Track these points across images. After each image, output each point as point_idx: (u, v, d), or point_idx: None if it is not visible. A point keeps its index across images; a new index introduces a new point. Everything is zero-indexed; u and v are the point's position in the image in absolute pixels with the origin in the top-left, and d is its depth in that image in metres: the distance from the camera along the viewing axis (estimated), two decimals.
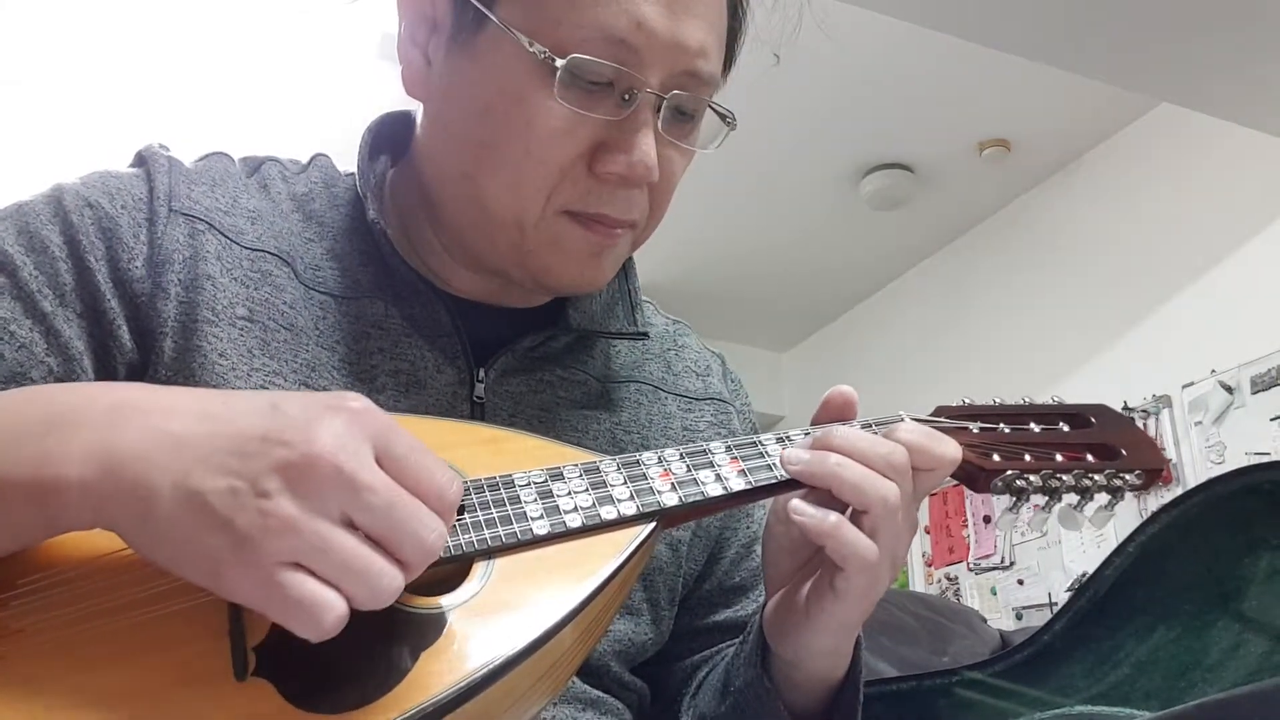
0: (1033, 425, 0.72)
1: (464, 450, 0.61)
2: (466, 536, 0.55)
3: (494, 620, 0.53)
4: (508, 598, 0.54)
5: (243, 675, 0.48)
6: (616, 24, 0.65)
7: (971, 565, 3.99)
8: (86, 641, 0.49)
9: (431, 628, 0.52)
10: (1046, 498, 0.70)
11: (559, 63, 0.65)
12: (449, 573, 0.54)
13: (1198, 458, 3.24)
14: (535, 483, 0.59)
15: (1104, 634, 0.97)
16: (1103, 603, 0.98)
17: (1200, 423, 3.25)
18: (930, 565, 4.19)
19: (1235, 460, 3.08)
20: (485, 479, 0.59)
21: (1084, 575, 3.15)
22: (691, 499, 0.61)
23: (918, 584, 4.21)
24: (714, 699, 0.76)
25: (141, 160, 0.75)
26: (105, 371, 0.67)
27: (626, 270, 0.84)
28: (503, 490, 0.59)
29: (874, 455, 0.62)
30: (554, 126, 0.67)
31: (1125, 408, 3.28)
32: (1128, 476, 0.70)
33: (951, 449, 0.65)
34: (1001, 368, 4.01)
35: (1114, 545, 0.99)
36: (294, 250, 0.74)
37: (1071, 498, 0.70)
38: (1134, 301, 3.54)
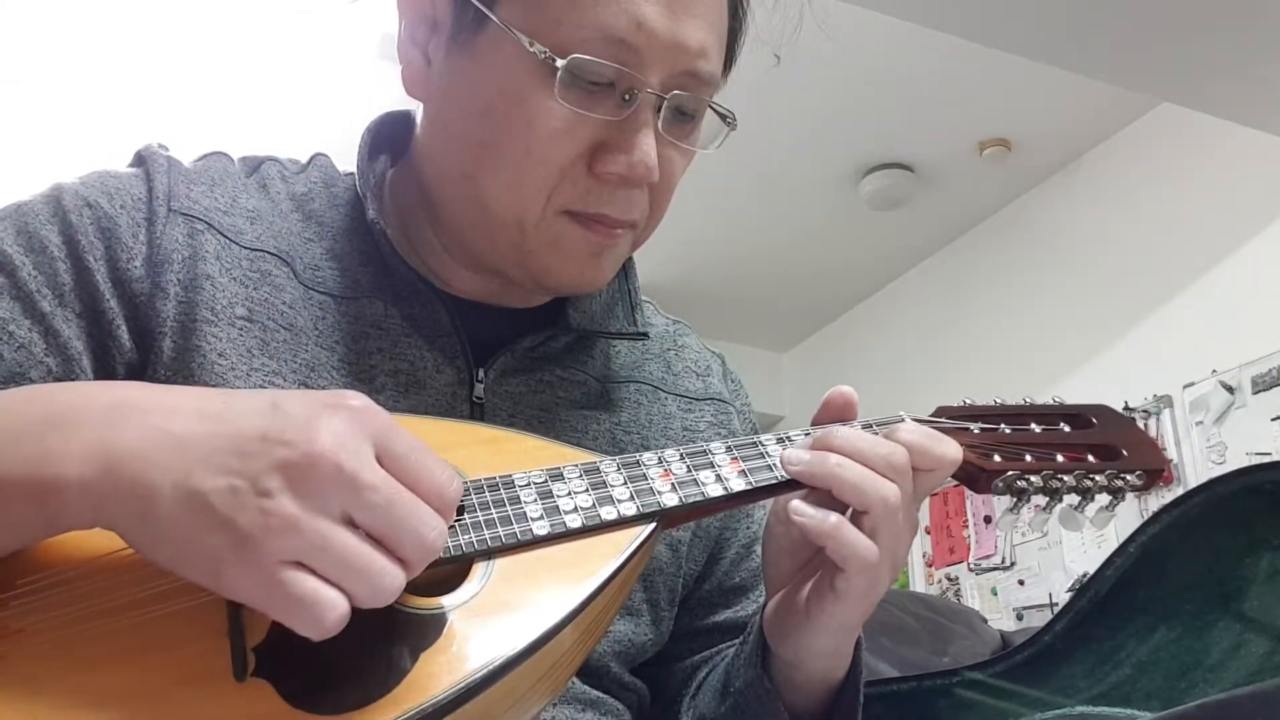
0: (1034, 426, 0.72)
1: (464, 450, 0.61)
2: (466, 537, 0.55)
3: (494, 621, 0.53)
4: (508, 598, 0.54)
5: (242, 675, 0.48)
6: (617, 24, 0.65)
7: (972, 566, 3.99)
8: (86, 642, 0.49)
9: (431, 628, 0.52)
10: (1047, 498, 0.70)
11: (559, 63, 0.65)
12: (449, 573, 0.54)
13: (1199, 458, 3.24)
14: (535, 483, 0.59)
15: (1105, 634, 0.97)
16: (1104, 603, 0.98)
17: (1201, 423, 3.25)
18: (931, 565, 4.19)
19: (1236, 460, 3.08)
20: (485, 479, 0.59)
21: (1085, 575, 3.15)
22: (692, 499, 0.61)
23: (918, 584, 4.20)
24: (714, 700, 0.76)
25: (140, 160, 0.75)
26: (104, 371, 0.67)
27: (626, 270, 0.84)
28: (502, 490, 0.58)
29: (874, 456, 0.61)
30: (554, 126, 0.67)
31: (1126, 408, 3.28)
32: (1129, 477, 0.70)
33: (952, 450, 0.65)
34: (1002, 368, 4.01)
35: (1115, 545, 0.99)
36: (293, 250, 0.74)
37: (1072, 498, 0.70)
38: (1135, 301, 3.54)
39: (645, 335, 0.84)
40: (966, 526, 4.05)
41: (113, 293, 0.67)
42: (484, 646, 0.51)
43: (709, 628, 0.84)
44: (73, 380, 0.65)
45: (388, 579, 0.46)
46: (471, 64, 0.69)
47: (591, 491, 0.60)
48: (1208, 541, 0.93)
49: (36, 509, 0.48)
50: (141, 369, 0.67)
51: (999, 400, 0.74)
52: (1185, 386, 3.31)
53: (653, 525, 0.60)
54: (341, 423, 0.47)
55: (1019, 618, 3.71)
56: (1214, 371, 3.24)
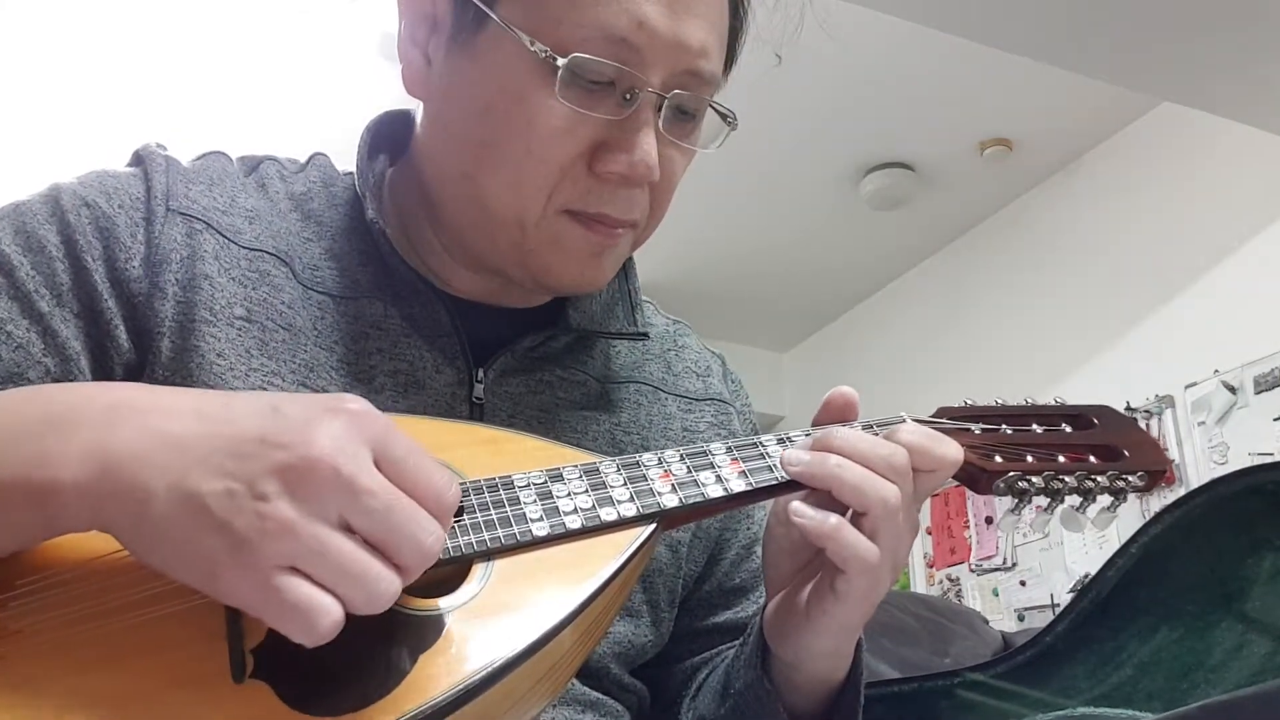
0: (1035, 426, 0.72)
1: (463, 451, 0.61)
2: (466, 538, 0.55)
3: (493, 622, 0.53)
4: (507, 599, 0.54)
5: (240, 677, 0.48)
6: (618, 23, 0.65)
7: (973, 566, 3.99)
8: (84, 643, 0.48)
9: (430, 629, 0.51)
10: (1049, 499, 0.70)
11: (560, 62, 0.65)
12: (448, 574, 0.54)
13: (1201, 458, 3.24)
14: (535, 484, 0.59)
15: (1106, 635, 0.97)
16: (1105, 604, 0.98)
17: (1203, 423, 3.25)
18: (932, 566, 4.19)
19: (1238, 461, 3.08)
20: (485, 480, 0.59)
21: (1086, 576, 3.15)
22: (692, 500, 0.61)
23: (919, 585, 4.20)
24: (714, 701, 0.76)
25: (139, 159, 0.74)
26: (103, 372, 0.67)
27: (626, 270, 0.84)
28: (502, 491, 0.58)
29: (874, 457, 0.61)
30: (555, 126, 0.67)
31: (1128, 408, 3.27)
32: (1130, 478, 0.70)
33: (953, 450, 0.65)
34: (1002, 368, 4.00)
35: (1116, 546, 0.99)
36: (292, 250, 0.74)
37: (1074, 499, 0.70)
38: (1136, 301, 3.53)
39: (645, 335, 0.84)
40: (968, 527, 4.05)
41: (111, 293, 0.67)
42: (483, 648, 0.51)
43: (709, 629, 0.84)
44: (71, 380, 0.65)
45: (383, 585, 0.46)
46: (472, 63, 0.69)
47: (591, 492, 0.59)
48: (1210, 542, 0.93)
49: (35, 510, 0.47)
50: (140, 369, 0.67)
51: (1000, 401, 0.74)
52: (1187, 386, 3.31)
53: (653, 526, 0.60)
54: (340, 427, 0.47)
55: (1020, 619, 3.71)
56: (1216, 371, 3.23)
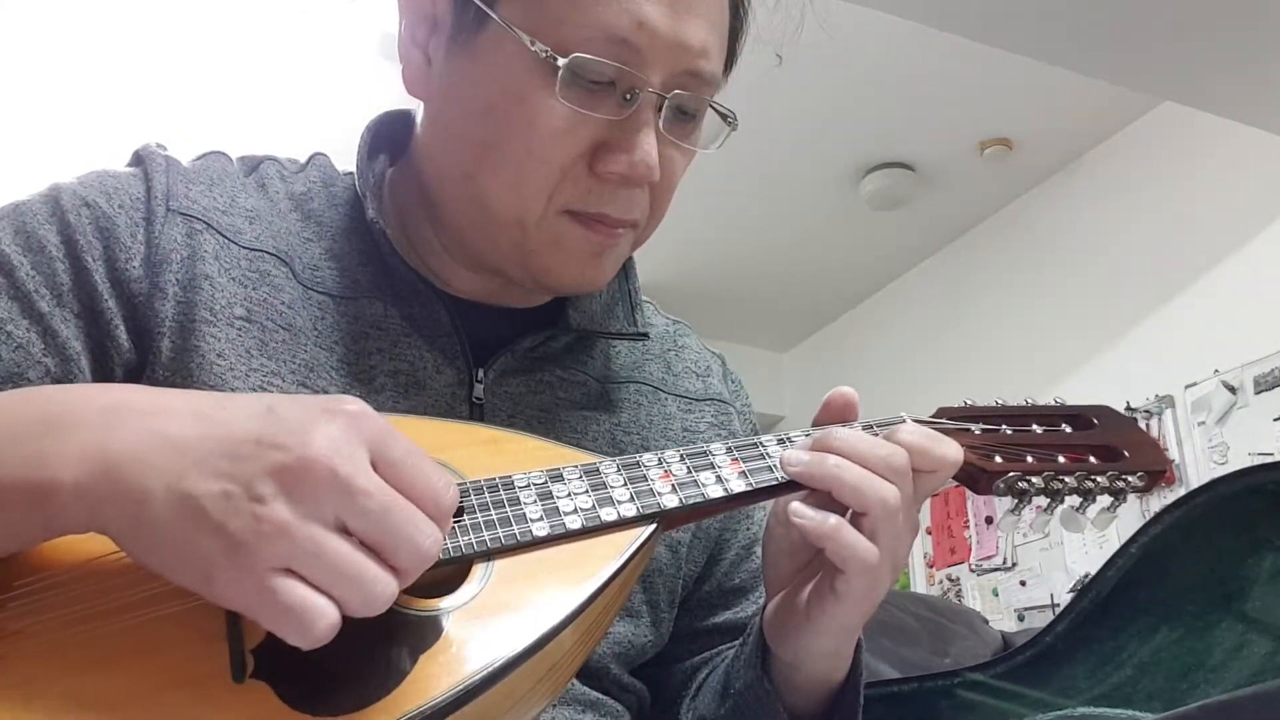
0: (1035, 427, 0.72)
1: (463, 451, 0.61)
2: (466, 538, 0.55)
3: (493, 622, 0.53)
4: (507, 599, 0.54)
5: (241, 677, 0.48)
6: (618, 23, 0.65)
7: (973, 566, 3.99)
8: (83, 644, 0.48)
9: (430, 630, 0.51)
10: (1049, 499, 0.70)
11: (561, 62, 0.65)
12: (448, 574, 0.54)
13: (1201, 458, 3.24)
14: (535, 484, 0.59)
15: (1106, 635, 0.97)
16: (1105, 604, 0.98)
17: (1203, 423, 3.24)
18: (932, 566, 4.19)
19: (1239, 461, 3.08)
20: (485, 480, 0.59)
21: (1086, 576, 3.15)
22: (692, 501, 0.61)
23: (919, 585, 4.20)
24: (714, 701, 0.76)
25: (139, 159, 0.74)
26: (103, 372, 0.66)
27: (627, 270, 0.84)
28: (502, 491, 0.58)
29: (873, 457, 0.61)
30: (556, 126, 0.67)
31: (1127, 408, 3.27)
32: (1130, 478, 0.70)
33: (953, 451, 0.65)
34: (1002, 368, 4.00)
35: (1116, 546, 0.99)
36: (292, 250, 0.74)
37: (1074, 499, 0.70)
38: (1136, 301, 3.53)
39: (645, 336, 0.84)
40: (968, 527, 4.05)
41: (111, 293, 0.67)
42: (483, 648, 0.51)
43: (709, 629, 0.84)
44: (71, 380, 0.65)
45: (380, 587, 0.46)
46: (472, 63, 0.69)
47: (591, 493, 0.59)
48: (1210, 542, 0.93)
49: (33, 511, 0.47)
50: (140, 369, 0.67)
51: (1000, 401, 0.74)
52: (1187, 386, 3.31)
53: (653, 526, 0.60)
54: (337, 428, 0.47)
55: (1020, 619, 3.71)
56: (1216, 371, 3.23)
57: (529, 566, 0.56)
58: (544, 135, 0.67)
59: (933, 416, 0.71)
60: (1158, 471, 0.71)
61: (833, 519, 0.60)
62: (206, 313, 0.68)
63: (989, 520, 3.96)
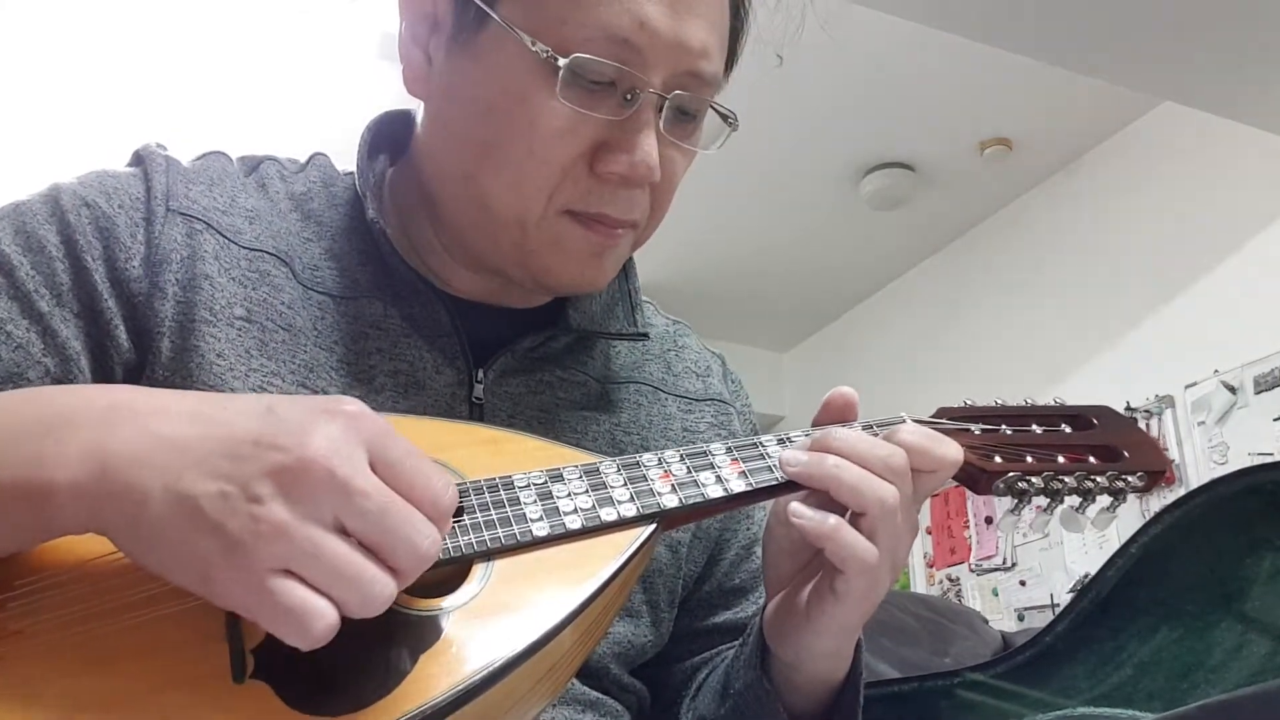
0: (1035, 427, 0.72)
1: (463, 451, 0.61)
2: (466, 538, 0.55)
3: (493, 622, 0.53)
4: (507, 599, 0.54)
5: (241, 677, 0.48)
6: (619, 23, 0.65)
7: (973, 566, 3.99)
8: (81, 644, 0.48)
9: (430, 630, 0.51)
10: (1048, 499, 0.70)
11: (561, 62, 0.65)
12: (448, 574, 0.54)
13: (1200, 458, 3.24)
14: (535, 484, 0.59)
15: (1106, 635, 0.97)
16: (1105, 604, 0.98)
17: (1203, 423, 3.25)
18: (932, 566, 4.19)
19: (1238, 461, 3.08)
20: (485, 480, 0.59)
21: (1086, 576, 3.15)
22: (692, 501, 0.61)
23: (919, 585, 4.20)
24: (714, 701, 0.76)
25: (139, 159, 0.74)
26: (102, 372, 0.66)
27: (627, 271, 0.84)
28: (502, 491, 0.58)
29: (872, 457, 0.61)
30: (556, 126, 0.67)
31: (1127, 408, 3.27)
32: (1130, 478, 0.70)
33: (952, 451, 0.65)
34: (1002, 368, 4.00)
35: (1116, 546, 0.99)
36: (292, 250, 0.74)
37: (1074, 499, 0.70)
38: (1136, 301, 3.53)
39: (645, 336, 0.84)
40: (967, 527, 4.05)
41: (111, 293, 0.67)
42: (483, 648, 0.51)
43: (709, 629, 0.84)
44: (71, 380, 0.65)
45: (378, 588, 0.46)
46: (473, 63, 0.69)
47: (591, 493, 0.59)
48: (1209, 542, 0.93)
49: (33, 511, 0.47)
50: (140, 369, 0.67)
51: (1000, 401, 0.74)
52: (1187, 386, 3.31)
53: (653, 526, 0.60)
54: (336, 428, 0.47)
55: (1020, 618, 3.71)
56: (1216, 371, 3.23)
57: (529, 566, 0.56)
58: (545, 135, 0.67)
59: (933, 416, 0.71)
60: (1157, 471, 0.71)
61: (832, 519, 0.60)
62: (206, 313, 0.68)
63: (989, 520, 3.96)
